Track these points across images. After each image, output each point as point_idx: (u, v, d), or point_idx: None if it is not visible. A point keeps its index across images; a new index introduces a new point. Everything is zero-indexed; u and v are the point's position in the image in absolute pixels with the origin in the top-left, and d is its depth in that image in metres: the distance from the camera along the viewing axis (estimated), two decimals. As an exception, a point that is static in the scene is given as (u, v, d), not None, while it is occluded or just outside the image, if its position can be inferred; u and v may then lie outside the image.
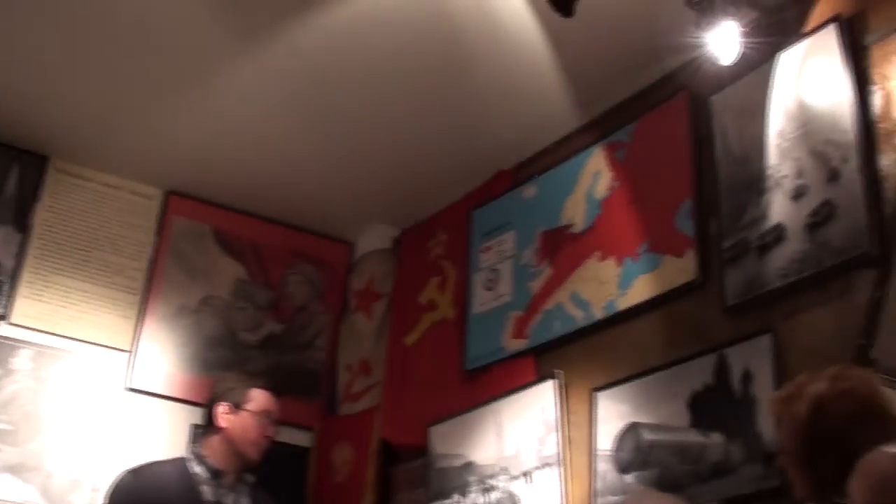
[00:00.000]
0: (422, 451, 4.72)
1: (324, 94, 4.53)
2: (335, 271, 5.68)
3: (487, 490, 4.29)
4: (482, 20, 4.01)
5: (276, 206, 5.47)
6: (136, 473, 3.98)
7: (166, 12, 4.11)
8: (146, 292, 5.17)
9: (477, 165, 4.90)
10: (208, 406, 4.14)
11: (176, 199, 5.36)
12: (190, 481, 3.96)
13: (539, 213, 4.57)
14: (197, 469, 4.00)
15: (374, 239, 5.55)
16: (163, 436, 4.92)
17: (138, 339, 5.08)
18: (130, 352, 5.05)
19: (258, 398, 4.12)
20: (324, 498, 5.16)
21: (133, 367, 5.03)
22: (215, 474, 4.00)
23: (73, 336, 4.94)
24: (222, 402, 4.08)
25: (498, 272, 4.67)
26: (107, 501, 3.96)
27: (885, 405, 2.27)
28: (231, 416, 4.05)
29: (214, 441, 4.05)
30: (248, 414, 4.07)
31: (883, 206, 3.18)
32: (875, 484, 2.01)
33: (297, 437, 5.29)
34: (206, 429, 4.13)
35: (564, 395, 4.12)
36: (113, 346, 5.03)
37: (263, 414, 4.10)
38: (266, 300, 5.47)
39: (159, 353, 5.11)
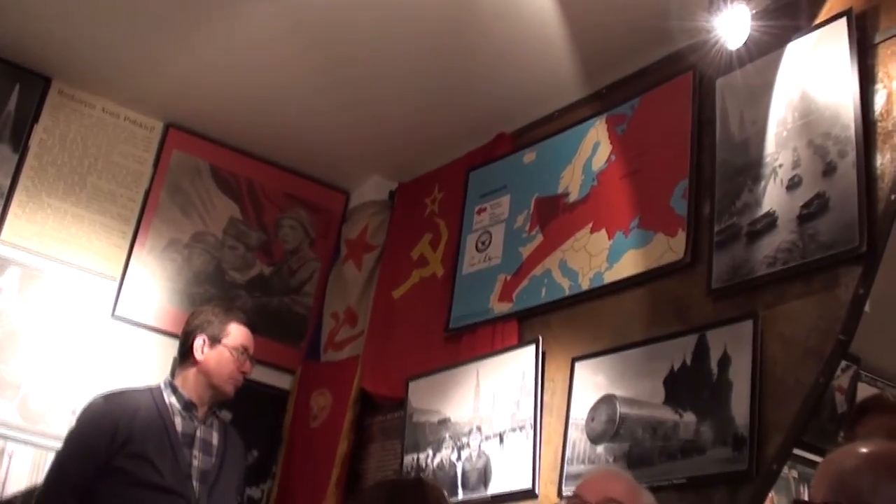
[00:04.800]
0: (400, 403, 4.75)
1: (333, 43, 4.52)
2: (329, 219, 5.68)
3: (461, 448, 4.31)
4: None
5: (277, 148, 5.47)
6: (108, 398, 3.93)
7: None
8: (139, 223, 5.16)
9: (478, 126, 4.90)
10: (185, 337, 4.10)
11: (176, 133, 5.35)
12: (162, 411, 3.92)
13: (536, 179, 4.57)
14: (170, 399, 3.97)
15: (370, 190, 5.55)
16: (144, 366, 4.91)
17: (127, 268, 5.08)
18: (119, 280, 5.05)
19: (236, 333, 4.09)
20: (299, 442, 5.17)
21: (120, 295, 5.03)
22: (188, 406, 3.98)
23: (63, 259, 4.94)
24: (200, 335, 4.06)
25: (490, 234, 4.69)
26: (76, 423, 3.92)
27: None
28: (208, 350, 4.03)
29: (190, 373, 4.03)
30: (225, 348, 4.05)
31: (875, 204, 3.19)
32: (833, 482, 2.02)
33: (277, 380, 5.32)
34: (181, 360, 4.11)
35: (544, 361, 4.14)
36: (102, 272, 5.03)
37: (241, 349, 4.07)
38: (258, 241, 5.47)
39: (147, 284, 5.11)
